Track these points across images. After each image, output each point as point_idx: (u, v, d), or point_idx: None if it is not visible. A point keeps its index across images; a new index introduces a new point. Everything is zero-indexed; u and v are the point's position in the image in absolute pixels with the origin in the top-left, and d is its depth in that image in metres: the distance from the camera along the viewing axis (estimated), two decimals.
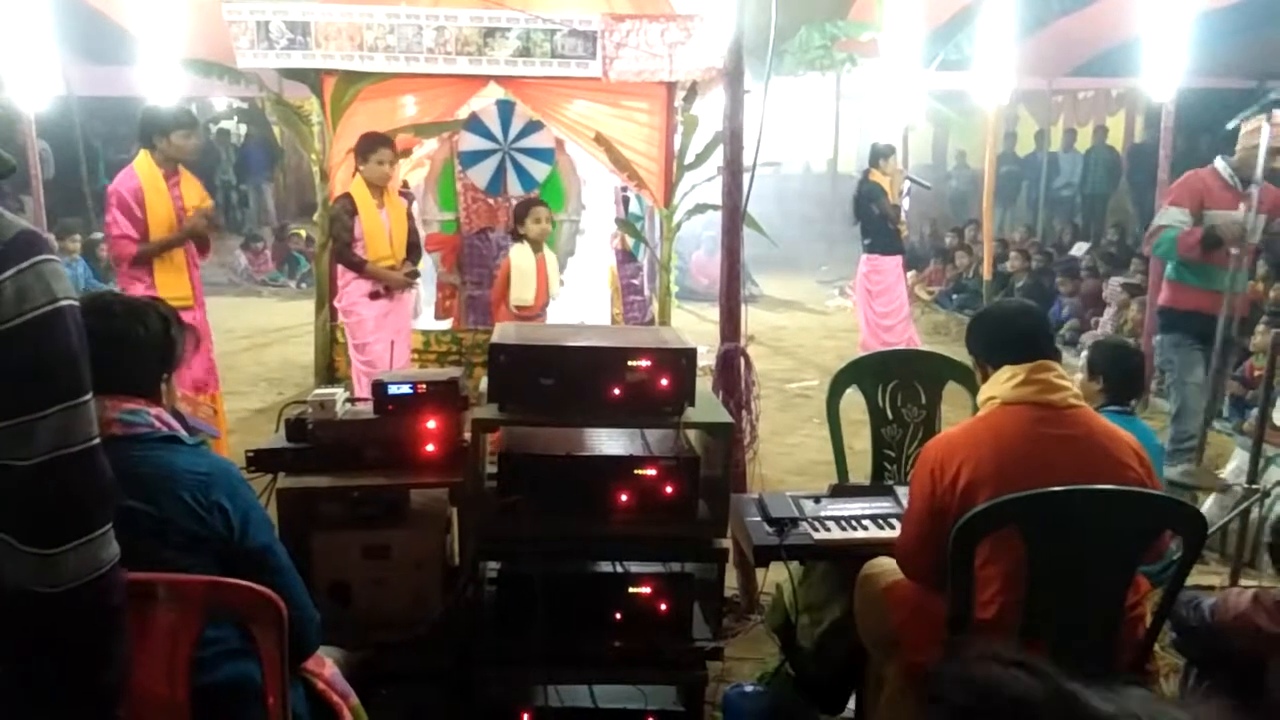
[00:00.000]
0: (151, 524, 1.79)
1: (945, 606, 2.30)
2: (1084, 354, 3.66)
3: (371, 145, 5.16)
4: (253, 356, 7.87)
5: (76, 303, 1.40)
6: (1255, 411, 3.92)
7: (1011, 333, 2.46)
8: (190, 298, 4.69)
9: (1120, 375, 3.45)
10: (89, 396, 1.39)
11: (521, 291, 5.28)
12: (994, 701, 0.70)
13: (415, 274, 5.50)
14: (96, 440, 1.40)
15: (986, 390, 2.45)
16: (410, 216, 5.54)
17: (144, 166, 4.59)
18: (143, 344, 1.93)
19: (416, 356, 6.16)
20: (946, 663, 0.75)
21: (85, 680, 1.43)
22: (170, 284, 4.58)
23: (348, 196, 5.21)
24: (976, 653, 0.76)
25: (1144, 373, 3.79)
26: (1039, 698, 0.69)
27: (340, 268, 5.41)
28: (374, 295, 5.25)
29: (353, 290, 5.30)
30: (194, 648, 1.75)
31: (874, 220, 7.42)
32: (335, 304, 5.69)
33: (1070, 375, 2.51)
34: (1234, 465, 4.53)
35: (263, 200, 15.00)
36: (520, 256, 5.31)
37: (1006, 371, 2.39)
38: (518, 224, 5.41)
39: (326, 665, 2.08)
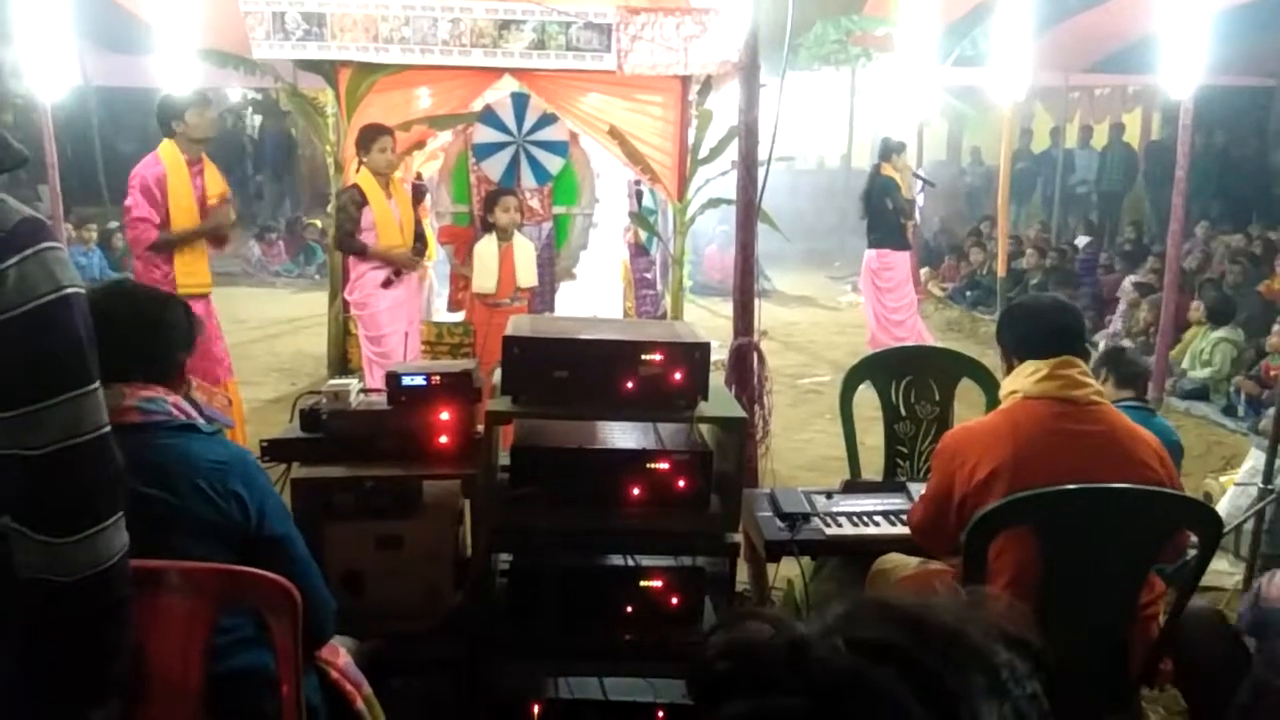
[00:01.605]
0: (168, 511, 1.79)
1: None
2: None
3: (372, 135, 5.20)
4: (266, 347, 7.90)
5: (83, 290, 1.39)
6: (1272, 411, 3.90)
7: (1042, 327, 2.45)
8: (209, 285, 4.70)
9: (1122, 370, 3.63)
10: (97, 385, 1.39)
11: (482, 280, 5.33)
12: (739, 658, 0.68)
13: (421, 250, 5.53)
14: (106, 429, 1.39)
15: (1009, 384, 2.45)
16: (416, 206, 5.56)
17: (168, 153, 4.56)
18: (165, 331, 1.95)
19: (429, 348, 6.17)
20: (701, 649, 0.72)
21: (88, 669, 1.43)
22: (190, 271, 4.56)
23: (356, 187, 5.23)
24: (719, 625, 0.73)
25: (1141, 365, 3.97)
26: (768, 638, 0.68)
27: (352, 260, 5.43)
28: (386, 283, 5.26)
29: (366, 282, 5.31)
30: (209, 636, 1.76)
31: (885, 215, 7.38)
32: (347, 296, 5.70)
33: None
34: (1249, 465, 4.50)
35: (278, 191, 15.06)
36: (483, 245, 5.37)
37: (1030, 366, 2.40)
38: (487, 212, 5.44)
39: (340, 654, 2.09)
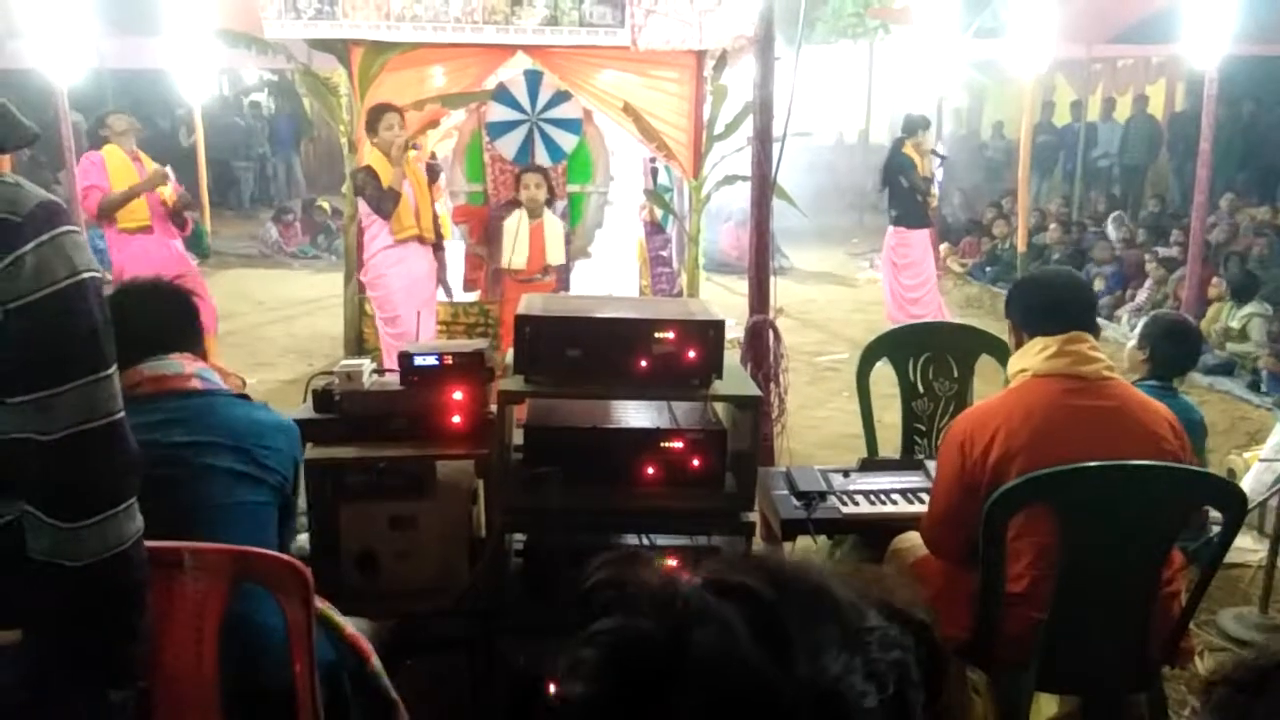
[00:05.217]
0: (240, 465, 2.00)
1: (974, 581, 2.28)
2: (1139, 324, 3.60)
3: (378, 114, 5.23)
4: (282, 328, 7.91)
5: (99, 274, 1.39)
6: None
7: (1050, 301, 2.41)
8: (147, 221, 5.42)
9: (1167, 350, 3.36)
10: (112, 370, 1.38)
11: (510, 255, 5.41)
12: (616, 587, 0.73)
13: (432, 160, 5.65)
14: (120, 414, 1.39)
15: (1017, 362, 2.42)
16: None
17: (111, 153, 5.33)
18: (196, 316, 2.21)
19: (444, 328, 6.17)
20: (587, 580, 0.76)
21: (107, 652, 1.43)
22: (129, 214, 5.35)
23: (369, 168, 5.22)
24: (606, 561, 0.77)
25: (1196, 352, 3.66)
26: (645, 572, 0.73)
27: (365, 239, 5.43)
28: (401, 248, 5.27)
29: (378, 263, 5.31)
30: (221, 615, 1.76)
31: (902, 192, 7.30)
32: (361, 277, 5.70)
33: (1105, 347, 2.46)
34: (1274, 441, 4.44)
35: (293, 172, 15.08)
36: (512, 221, 5.47)
37: (1039, 343, 2.36)
38: (517, 189, 5.61)
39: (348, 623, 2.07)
